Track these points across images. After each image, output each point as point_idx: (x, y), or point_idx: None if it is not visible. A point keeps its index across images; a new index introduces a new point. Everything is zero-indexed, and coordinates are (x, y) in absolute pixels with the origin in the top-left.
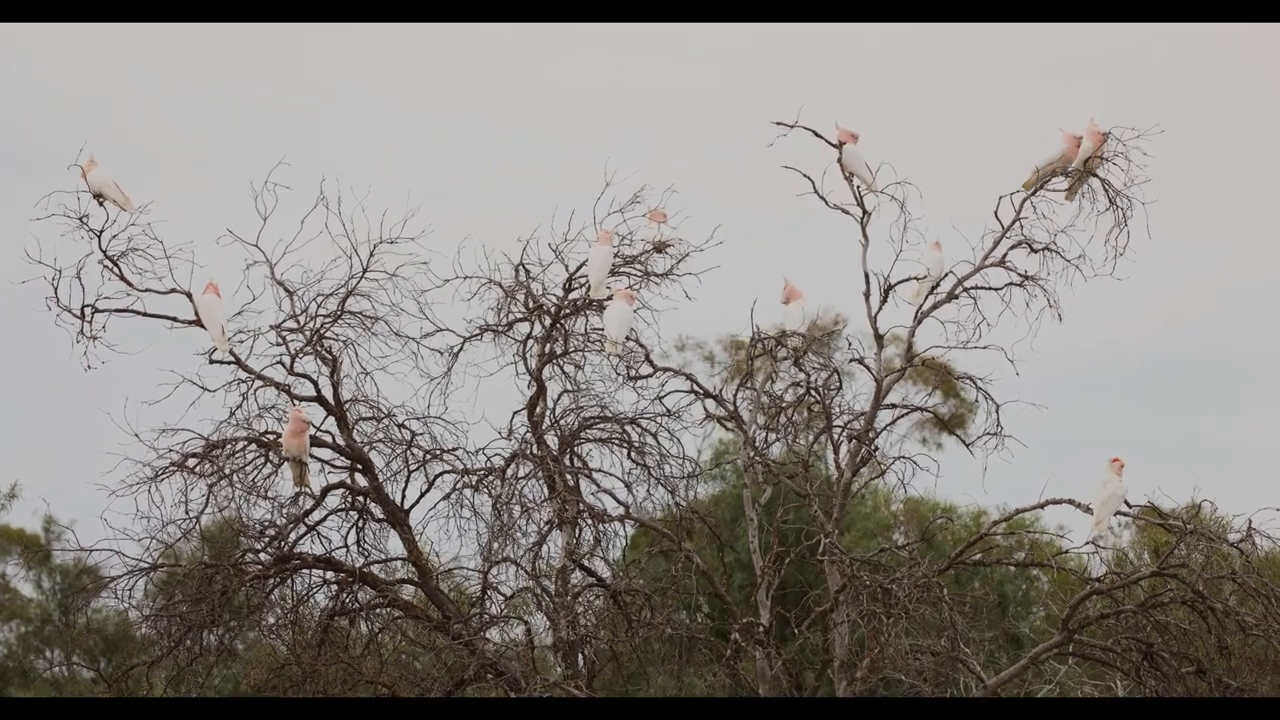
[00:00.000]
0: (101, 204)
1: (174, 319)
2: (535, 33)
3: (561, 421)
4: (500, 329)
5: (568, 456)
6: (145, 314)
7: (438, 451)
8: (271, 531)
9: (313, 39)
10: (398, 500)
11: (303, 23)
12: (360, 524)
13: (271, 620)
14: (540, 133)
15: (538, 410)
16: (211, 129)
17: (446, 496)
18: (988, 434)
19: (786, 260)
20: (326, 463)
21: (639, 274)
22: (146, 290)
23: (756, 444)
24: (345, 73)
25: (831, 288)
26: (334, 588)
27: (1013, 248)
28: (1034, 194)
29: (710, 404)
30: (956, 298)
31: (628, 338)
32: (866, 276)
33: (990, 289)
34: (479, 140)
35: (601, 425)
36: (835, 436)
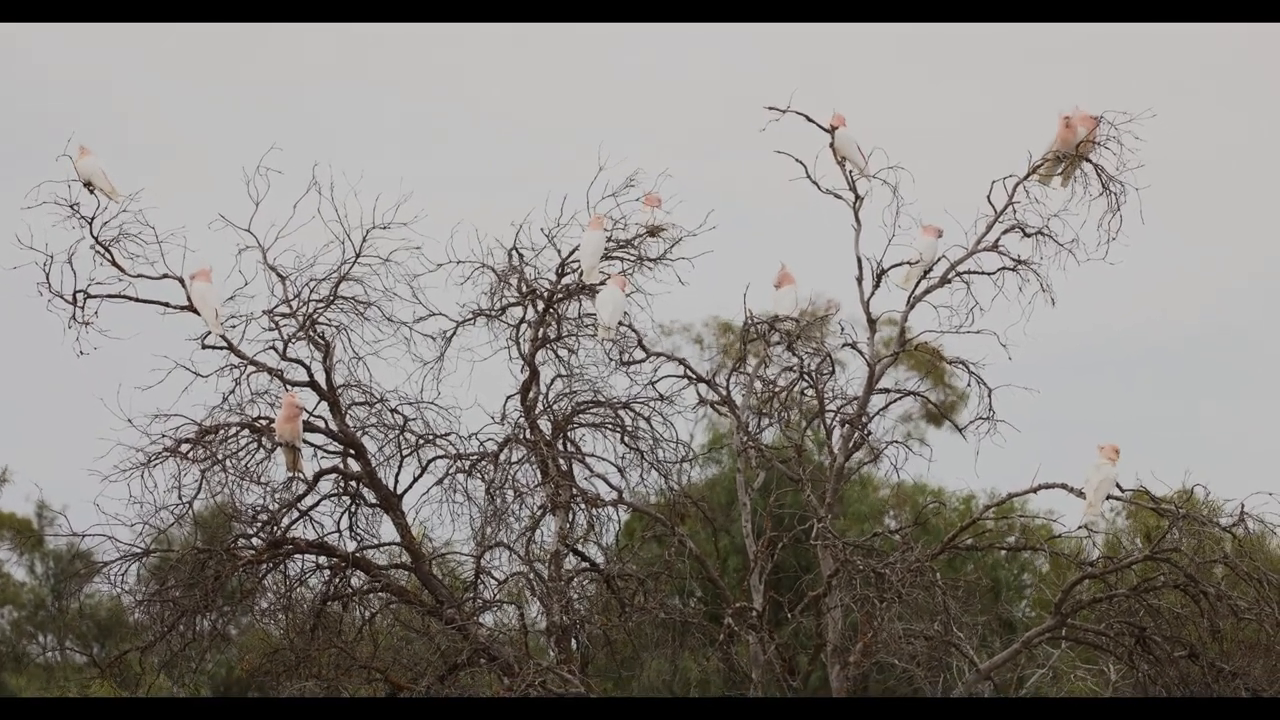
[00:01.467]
0: (92, 192)
1: (166, 304)
2: (533, 31)
3: (555, 406)
4: (493, 314)
5: (561, 441)
6: (137, 299)
7: (431, 436)
8: (264, 517)
9: (309, 38)
10: (391, 485)
11: (300, 23)
12: (353, 509)
13: (264, 605)
14: (536, 128)
15: (531, 395)
16: (210, 129)
17: (439, 481)
18: (980, 418)
19: (780, 250)
20: (319, 448)
21: (632, 258)
22: (139, 276)
23: (750, 428)
24: (341, 70)
25: (824, 275)
26: (327, 573)
27: (1005, 232)
28: (1027, 178)
29: (703, 389)
30: (949, 282)
31: (620, 322)
32: (859, 261)
33: (983, 273)
34: (473, 136)
35: (595, 410)
36: (828, 421)
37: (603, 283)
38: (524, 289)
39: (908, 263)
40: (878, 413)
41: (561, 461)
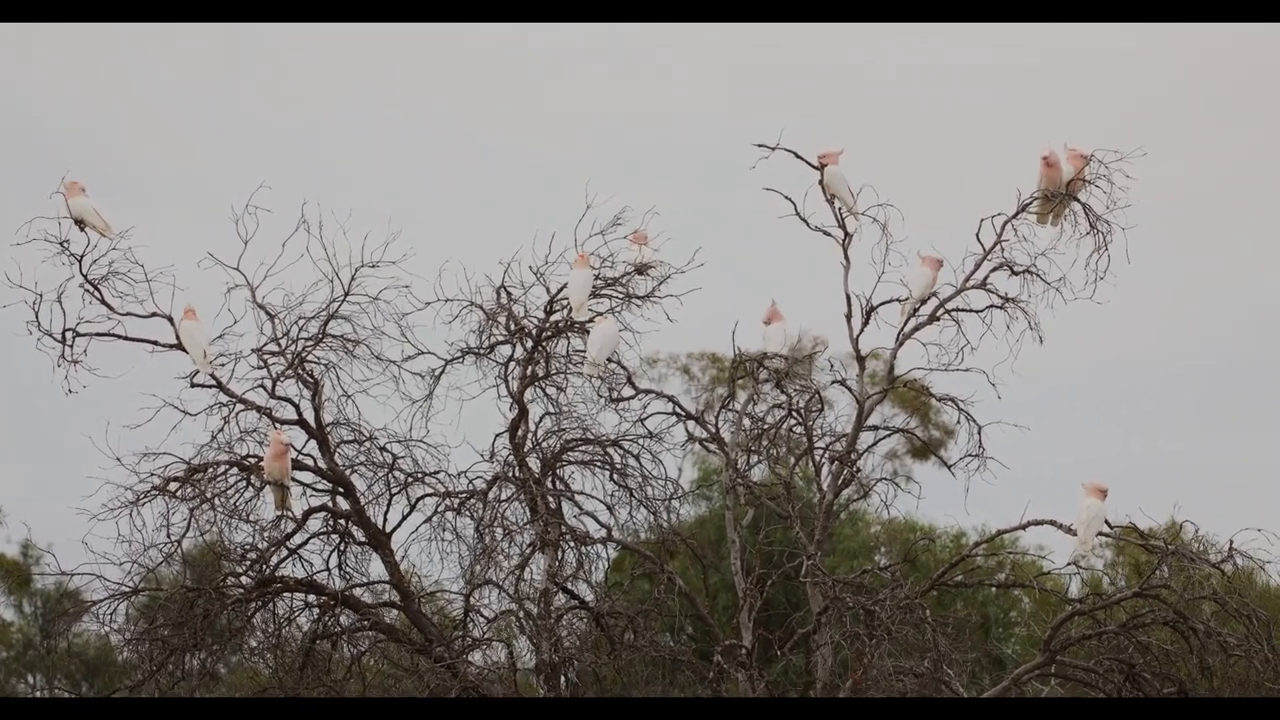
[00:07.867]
0: (83, 229)
1: (155, 343)
2: (527, 60)
3: (543, 444)
4: (482, 352)
5: (550, 479)
6: (126, 338)
7: (419, 474)
8: (253, 555)
9: (295, 67)
10: (379, 523)
11: (286, 54)
12: (342, 547)
13: (253, 644)
14: (525, 159)
15: (520, 433)
16: (196, 158)
17: (428, 519)
18: (969, 455)
19: (769, 285)
20: (308, 486)
21: (620, 296)
22: (127, 314)
23: (739, 466)
24: (327, 101)
25: (813, 311)
26: (316, 611)
27: (994, 270)
28: (1016, 216)
29: (692, 426)
30: (938, 320)
31: (609, 359)
32: (848, 298)
33: (971, 311)
34: (460, 167)
35: (584, 447)
36: (817, 458)
37: (590, 320)
38: (512, 327)
39: (898, 300)
40: (867, 450)
41: (550, 499)
